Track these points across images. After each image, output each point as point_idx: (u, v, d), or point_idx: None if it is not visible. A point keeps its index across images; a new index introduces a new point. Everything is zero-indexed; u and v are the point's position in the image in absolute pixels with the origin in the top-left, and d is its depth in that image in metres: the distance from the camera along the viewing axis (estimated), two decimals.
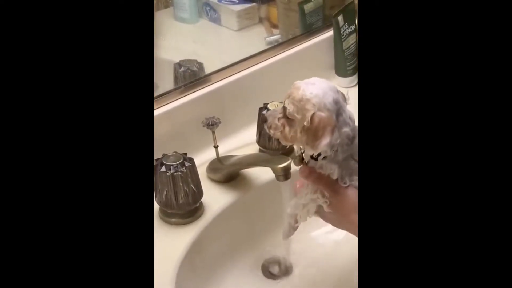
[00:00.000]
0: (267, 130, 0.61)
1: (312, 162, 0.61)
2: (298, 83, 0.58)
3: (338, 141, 0.56)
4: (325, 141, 0.55)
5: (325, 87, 0.57)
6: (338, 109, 0.57)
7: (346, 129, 0.57)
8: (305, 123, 0.56)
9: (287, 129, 0.58)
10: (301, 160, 0.62)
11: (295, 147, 0.63)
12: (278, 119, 0.59)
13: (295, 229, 0.67)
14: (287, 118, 0.58)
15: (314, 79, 0.58)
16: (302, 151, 0.62)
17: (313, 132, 0.56)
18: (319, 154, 0.59)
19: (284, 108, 0.58)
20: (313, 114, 0.55)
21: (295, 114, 0.56)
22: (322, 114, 0.55)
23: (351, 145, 0.58)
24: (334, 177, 0.59)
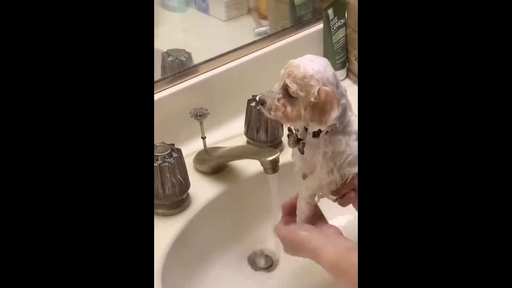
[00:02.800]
0: (266, 113, 0.60)
1: (313, 140, 0.60)
2: (295, 61, 0.58)
3: (340, 112, 0.57)
4: (334, 114, 0.56)
5: (323, 62, 0.58)
6: (337, 82, 0.58)
7: (343, 101, 0.58)
8: (312, 99, 0.56)
9: (289, 108, 0.58)
10: (296, 141, 0.62)
11: (292, 128, 0.63)
12: (278, 99, 0.58)
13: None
14: (288, 98, 0.58)
15: (309, 56, 0.59)
16: (297, 132, 0.62)
17: (320, 108, 0.56)
18: (319, 131, 0.59)
19: (285, 88, 0.58)
20: (319, 89, 0.56)
21: (299, 92, 0.56)
22: (327, 89, 0.56)
23: (345, 114, 0.59)
24: (342, 147, 0.60)
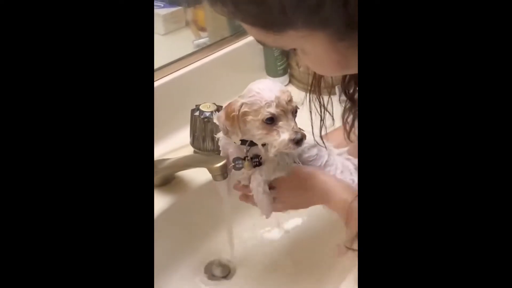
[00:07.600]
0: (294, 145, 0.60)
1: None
2: (271, 91, 0.59)
3: None
4: None
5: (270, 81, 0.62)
6: None
7: None
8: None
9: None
10: (250, 161, 0.64)
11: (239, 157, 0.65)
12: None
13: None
14: (292, 115, 0.60)
15: (261, 85, 0.61)
16: (247, 152, 0.64)
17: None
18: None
19: (295, 111, 0.60)
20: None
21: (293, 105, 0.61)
22: None
23: None
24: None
